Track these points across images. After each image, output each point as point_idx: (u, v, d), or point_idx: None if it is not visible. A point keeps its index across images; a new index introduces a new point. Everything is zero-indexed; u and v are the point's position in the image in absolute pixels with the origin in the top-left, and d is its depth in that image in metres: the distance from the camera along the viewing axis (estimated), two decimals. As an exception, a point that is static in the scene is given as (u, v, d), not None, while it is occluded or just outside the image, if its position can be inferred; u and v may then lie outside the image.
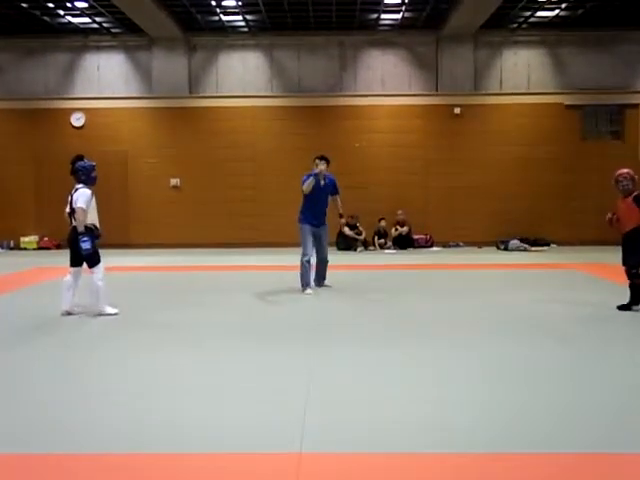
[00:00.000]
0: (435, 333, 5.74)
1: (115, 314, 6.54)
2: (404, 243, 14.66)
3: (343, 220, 8.55)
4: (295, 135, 15.26)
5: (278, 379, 4.32)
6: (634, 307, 6.58)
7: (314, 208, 8.15)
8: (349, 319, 6.55)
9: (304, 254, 8.01)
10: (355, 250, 14.28)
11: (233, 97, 15.35)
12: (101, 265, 6.46)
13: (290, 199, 13.90)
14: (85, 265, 6.59)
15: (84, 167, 6.53)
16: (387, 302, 7.51)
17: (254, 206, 14.95)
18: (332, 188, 8.35)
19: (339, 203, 8.42)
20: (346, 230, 14.22)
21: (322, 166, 8.06)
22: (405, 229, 14.68)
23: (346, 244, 14.35)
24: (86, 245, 6.21)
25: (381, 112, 15.34)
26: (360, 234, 14.51)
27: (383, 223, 14.74)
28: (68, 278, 6.60)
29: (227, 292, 8.39)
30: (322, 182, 8.20)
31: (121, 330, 6.00)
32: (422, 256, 13.08)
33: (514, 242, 14.15)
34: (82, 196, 6.40)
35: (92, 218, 6.57)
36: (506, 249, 14.02)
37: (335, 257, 12.11)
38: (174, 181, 15.38)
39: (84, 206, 6.34)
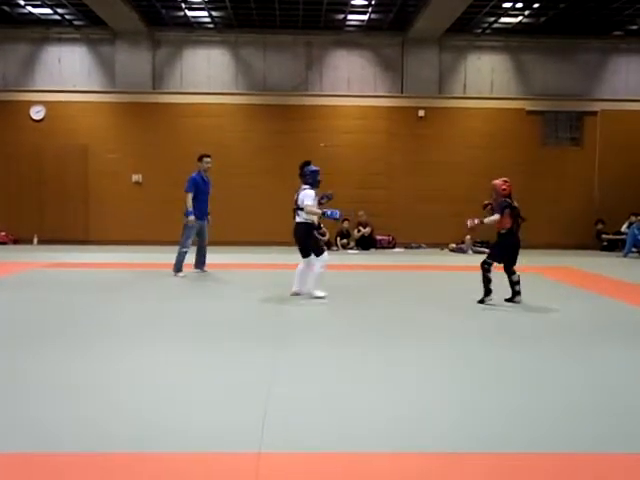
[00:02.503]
0: (387, 333, 6.01)
1: (324, 297, 7.50)
2: (367, 244, 15.08)
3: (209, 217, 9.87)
4: (260, 133, 15.54)
5: (238, 378, 4.41)
6: (487, 299, 7.33)
7: (201, 205, 9.47)
8: (309, 319, 6.72)
9: (185, 246, 9.37)
10: None
11: (197, 94, 15.57)
12: (324, 256, 7.57)
13: (253, 197, 15.17)
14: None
15: (312, 171, 7.62)
16: (345, 302, 7.71)
17: (217, 204, 14.76)
18: (210, 187, 9.73)
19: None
20: None
21: (210, 164, 9.51)
22: (367, 230, 15.09)
23: None
24: (334, 215, 7.52)
25: (346, 112, 15.71)
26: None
27: (346, 224, 15.04)
28: (300, 266, 7.76)
29: (173, 290, 8.60)
30: (206, 179, 9.57)
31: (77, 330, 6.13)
32: (383, 257, 13.48)
33: (465, 245, 14.73)
34: (307, 196, 7.49)
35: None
36: (461, 251, 14.66)
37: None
38: (136, 177, 15.53)
39: (310, 202, 7.45)
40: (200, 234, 9.65)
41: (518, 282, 7.39)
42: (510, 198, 7.29)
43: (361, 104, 15.73)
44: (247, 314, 6.97)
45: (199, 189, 9.47)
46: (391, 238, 15.42)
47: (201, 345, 5.42)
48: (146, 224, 15.22)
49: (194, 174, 9.51)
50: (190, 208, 9.31)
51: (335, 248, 14.86)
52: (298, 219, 7.65)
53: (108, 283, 9.11)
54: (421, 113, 15.69)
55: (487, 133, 15.78)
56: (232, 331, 6.03)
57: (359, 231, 15.16)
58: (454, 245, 14.93)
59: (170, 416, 3.63)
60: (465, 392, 4.21)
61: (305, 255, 7.70)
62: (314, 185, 7.63)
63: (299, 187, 7.70)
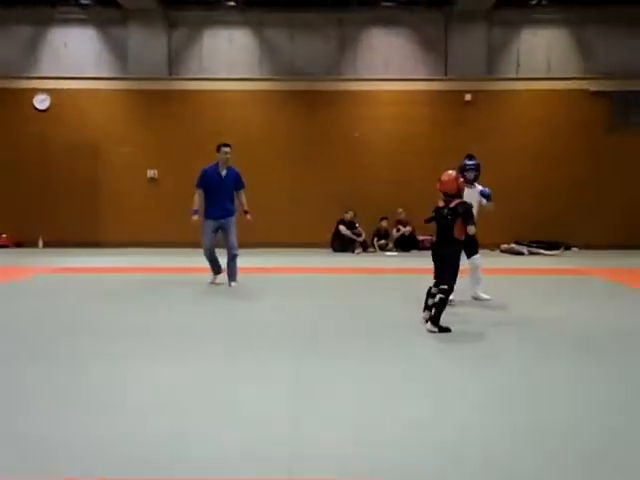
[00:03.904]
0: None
1: (488, 299, 7.96)
2: (407, 244, 14.95)
3: (249, 216, 9.45)
4: (287, 123, 15.77)
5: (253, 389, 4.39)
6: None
7: (215, 201, 9.11)
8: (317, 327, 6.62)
9: (204, 250, 9.26)
10: (353, 252, 14.61)
11: (218, 80, 15.80)
12: (477, 255, 8.08)
13: (279, 194, 15.75)
14: None
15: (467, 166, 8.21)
16: (370, 309, 7.67)
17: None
18: (235, 181, 9.29)
19: (243, 199, 9.33)
20: (343, 229, 14.83)
21: (228, 155, 9.15)
22: (408, 229, 14.95)
23: (343, 245, 14.80)
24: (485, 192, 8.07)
25: (383, 99, 15.82)
26: (359, 235, 14.84)
27: (384, 223, 15.08)
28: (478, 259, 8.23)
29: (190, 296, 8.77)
30: (223, 173, 9.14)
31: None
32: (425, 259, 13.64)
33: (511, 246, 14.72)
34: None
35: None
36: (513, 252, 14.67)
37: (330, 259, 13.67)
38: (151, 173, 15.78)
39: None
40: (224, 236, 9.32)
41: (437, 303, 6.39)
42: (450, 196, 6.69)
43: (400, 89, 15.88)
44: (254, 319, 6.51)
45: (211, 184, 9.24)
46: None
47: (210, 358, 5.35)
48: (162, 224, 15.40)
49: (207, 166, 9.39)
50: (195, 206, 9.30)
51: (372, 249, 14.88)
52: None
53: (121, 290, 9.33)
54: (468, 97, 15.77)
55: (543, 119, 15.72)
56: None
57: (398, 230, 15.03)
58: (506, 245, 14.70)
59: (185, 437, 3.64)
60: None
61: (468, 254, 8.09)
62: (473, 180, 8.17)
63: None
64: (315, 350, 5.59)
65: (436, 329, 6.17)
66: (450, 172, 6.75)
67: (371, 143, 15.71)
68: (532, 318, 7.03)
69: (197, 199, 9.28)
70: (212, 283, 9.37)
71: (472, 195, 7.65)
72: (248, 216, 9.29)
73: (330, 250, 14.85)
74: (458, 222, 6.40)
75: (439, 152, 14.97)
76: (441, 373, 4.94)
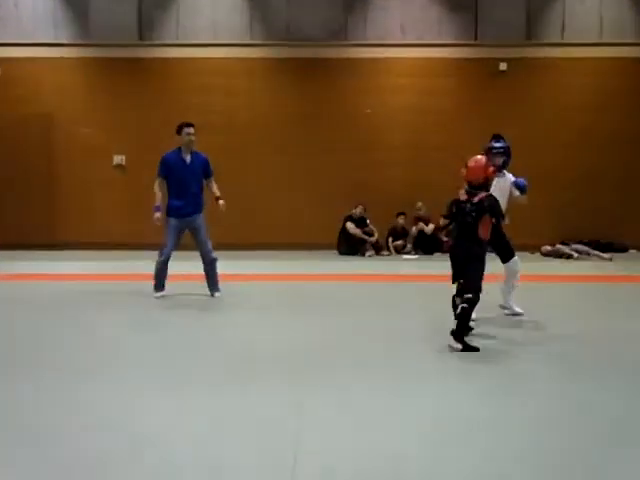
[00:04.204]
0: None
1: (520, 314, 7.64)
2: (428, 246, 14.38)
3: (222, 202, 9.07)
4: (282, 97, 15.07)
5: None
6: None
7: (180, 194, 8.86)
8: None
9: (160, 253, 8.96)
10: (363, 255, 14.07)
11: (199, 46, 15.10)
12: (515, 258, 7.85)
13: (275, 184, 15.21)
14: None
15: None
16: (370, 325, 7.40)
17: (226, 194, 14.74)
18: (204, 168, 9.13)
19: (214, 187, 9.15)
20: (351, 227, 14.27)
21: (191, 136, 8.89)
22: (430, 227, 14.29)
23: (351, 247, 14.26)
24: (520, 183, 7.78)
25: (400, 68, 15.07)
26: (371, 234, 14.30)
27: (401, 220, 14.54)
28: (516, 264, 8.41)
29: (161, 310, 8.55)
30: (187, 159, 8.89)
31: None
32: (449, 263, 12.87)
33: (556, 248, 14.15)
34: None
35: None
36: (559, 255, 14.01)
37: (336, 264, 13.52)
38: (118, 158, 15.18)
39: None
40: (195, 240, 8.97)
41: (460, 314, 6.29)
42: (474, 188, 6.59)
43: (420, 56, 15.07)
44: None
45: (174, 173, 8.89)
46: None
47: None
48: (130, 221, 14.64)
49: (167, 153, 9.10)
50: (157, 201, 8.95)
51: (386, 252, 14.26)
52: None
53: (73, 301, 9.08)
54: (502, 66, 14.92)
55: (594, 91, 14.85)
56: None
57: (418, 227, 14.50)
58: (548, 247, 13.78)
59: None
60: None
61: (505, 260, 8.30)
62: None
63: None
64: (312, 381, 5.32)
65: (460, 346, 5.97)
66: (479, 157, 6.52)
67: (385, 122, 14.95)
68: (570, 337, 6.72)
69: (158, 192, 8.88)
70: (158, 297, 9.02)
71: (501, 186, 7.28)
72: (221, 202, 8.81)
73: (335, 252, 14.30)
74: (484, 220, 6.24)
75: (467, 132, 14.12)
76: (461, 407, 4.85)
